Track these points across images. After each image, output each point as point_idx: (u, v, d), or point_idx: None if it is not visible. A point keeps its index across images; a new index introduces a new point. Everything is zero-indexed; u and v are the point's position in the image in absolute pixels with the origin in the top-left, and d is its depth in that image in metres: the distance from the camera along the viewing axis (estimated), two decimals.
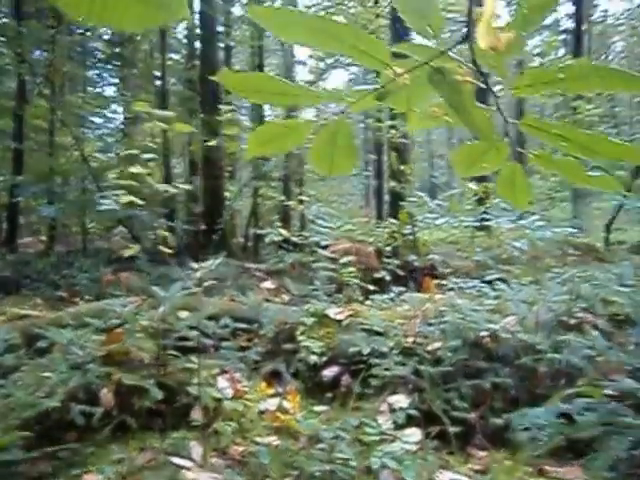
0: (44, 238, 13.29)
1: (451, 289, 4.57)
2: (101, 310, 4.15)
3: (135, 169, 4.08)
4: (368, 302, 4.50)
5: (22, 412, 2.80)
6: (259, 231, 8.99)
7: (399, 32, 9.52)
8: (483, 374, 3.07)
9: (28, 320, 4.21)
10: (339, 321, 3.95)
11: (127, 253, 3.63)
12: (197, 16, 13.11)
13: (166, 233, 7.05)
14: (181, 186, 7.63)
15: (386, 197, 13.06)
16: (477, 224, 6.86)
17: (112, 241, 12.45)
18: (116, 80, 15.86)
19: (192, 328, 3.43)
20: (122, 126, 15.76)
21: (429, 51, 0.87)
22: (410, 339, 3.52)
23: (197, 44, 13.64)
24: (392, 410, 3.09)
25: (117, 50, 14.60)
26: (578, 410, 2.24)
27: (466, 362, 3.15)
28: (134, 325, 3.38)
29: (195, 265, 5.27)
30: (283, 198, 9.71)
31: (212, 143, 8.66)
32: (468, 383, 3.04)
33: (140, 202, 4.78)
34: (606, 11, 44.98)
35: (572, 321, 3.38)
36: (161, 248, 3.63)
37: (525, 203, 1.18)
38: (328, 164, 1.05)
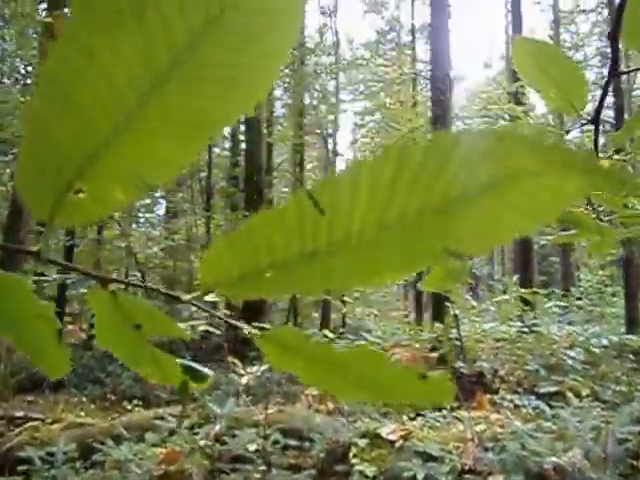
0: (85, 327, 13.56)
1: (505, 406, 4.45)
2: (152, 422, 4.19)
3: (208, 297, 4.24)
4: (420, 418, 4.41)
5: None
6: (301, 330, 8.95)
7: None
8: None
9: (83, 428, 4.28)
10: (392, 442, 3.87)
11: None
12: (242, 117, 13.95)
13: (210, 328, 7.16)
14: None
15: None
16: (526, 330, 6.75)
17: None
18: None
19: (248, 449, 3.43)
20: (164, 218, 16.39)
21: None
22: (467, 466, 3.42)
23: (241, 138, 14.41)
24: None
25: None
26: None
27: None
28: (191, 444, 3.39)
29: (241, 370, 5.28)
30: (324, 296, 9.76)
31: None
32: None
33: (217, 332, 4.95)
34: None
35: None
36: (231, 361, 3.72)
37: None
38: (436, 286, 1.20)
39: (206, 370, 0.73)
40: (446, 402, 0.60)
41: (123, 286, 0.66)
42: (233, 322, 0.67)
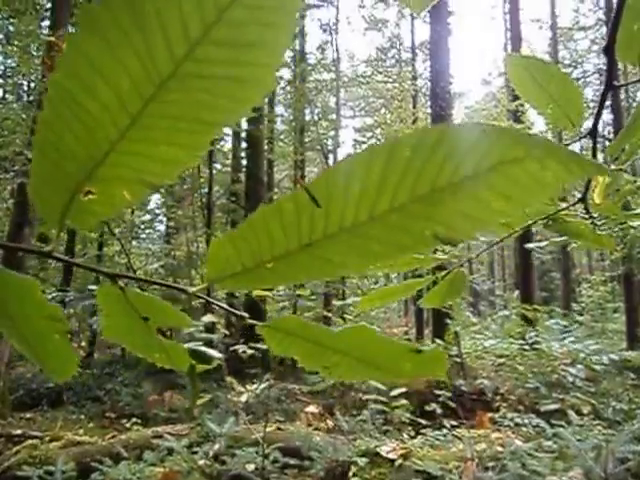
0: (84, 344, 13.50)
1: (506, 425, 4.42)
2: (150, 440, 4.16)
3: (207, 318, 4.27)
4: (420, 437, 4.38)
5: None
6: None
7: None
8: None
9: (81, 447, 4.25)
10: (391, 460, 3.84)
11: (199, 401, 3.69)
12: (244, 133, 13.99)
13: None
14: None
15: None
16: (527, 347, 6.74)
17: None
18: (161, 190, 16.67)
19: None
20: (165, 235, 16.37)
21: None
22: None
23: (242, 154, 14.46)
24: None
25: None
26: None
27: None
28: (190, 464, 3.37)
29: (240, 387, 5.24)
30: (325, 314, 9.74)
31: None
32: None
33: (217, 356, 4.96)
34: None
35: None
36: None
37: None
38: (437, 302, 1.26)
39: (213, 352, 0.74)
40: (440, 374, 0.62)
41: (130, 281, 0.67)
42: (238, 313, 0.68)
